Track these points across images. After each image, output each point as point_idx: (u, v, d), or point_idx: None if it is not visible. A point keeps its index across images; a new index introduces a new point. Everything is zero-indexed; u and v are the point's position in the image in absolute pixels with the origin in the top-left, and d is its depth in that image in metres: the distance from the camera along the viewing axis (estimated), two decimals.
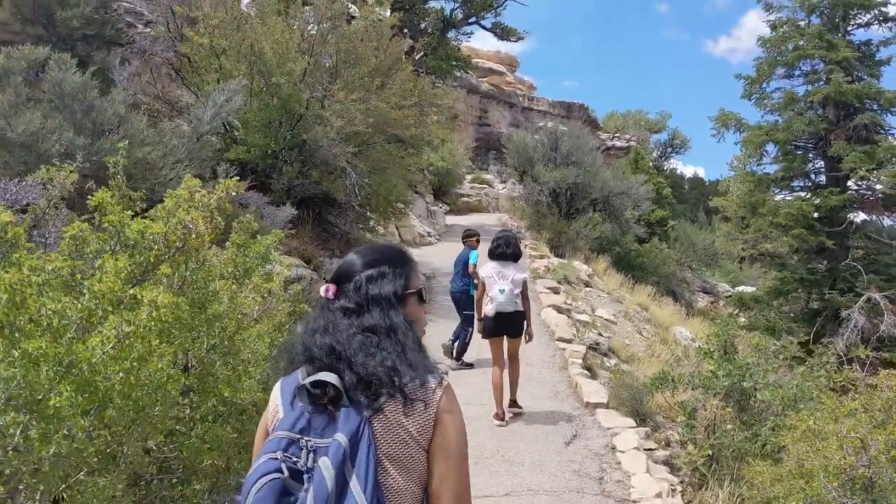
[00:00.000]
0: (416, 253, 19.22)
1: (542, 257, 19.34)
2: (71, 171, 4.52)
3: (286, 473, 1.51)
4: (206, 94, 10.34)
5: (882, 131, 22.58)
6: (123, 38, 12.47)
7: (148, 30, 12.77)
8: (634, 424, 7.43)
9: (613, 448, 6.73)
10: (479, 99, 49.74)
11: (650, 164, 43.79)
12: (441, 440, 1.69)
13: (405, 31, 26.69)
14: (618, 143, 51.02)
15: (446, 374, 1.86)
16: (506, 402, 7.57)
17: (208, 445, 2.98)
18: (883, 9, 22.85)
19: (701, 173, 57.56)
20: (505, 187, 35.57)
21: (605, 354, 12.25)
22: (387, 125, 12.46)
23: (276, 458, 1.53)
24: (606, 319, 15.35)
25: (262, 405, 3.12)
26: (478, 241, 10.37)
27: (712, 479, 6.80)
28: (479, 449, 6.40)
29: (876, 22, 23.24)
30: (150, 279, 2.82)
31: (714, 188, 47.37)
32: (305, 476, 1.52)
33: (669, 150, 55.12)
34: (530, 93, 57.39)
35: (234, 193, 3.23)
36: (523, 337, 7.70)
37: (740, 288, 31.81)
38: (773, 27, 24.41)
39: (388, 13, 16.85)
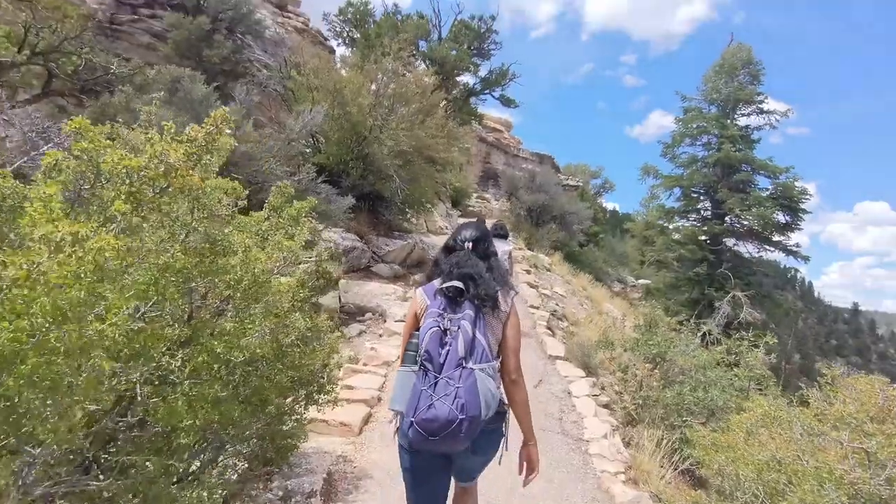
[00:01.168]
0: (434, 238, 18.14)
1: (519, 249, 18.48)
2: None
3: (441, 329, 2.00)
4: (297, 112, 9.15)
5: (752, 186, 21.31)
6: (248, 75, 11.27)
7: (266, 71, 11.58)
8: (584, 375, 6.26)
9: (569, 393, 5.55)
10: (486, 146, 49.46)
11: (591, 196, 44.58)
12: (509, 323, 2.20)
13: (444, 94, 26.07)
14: (571, 182, 50.49)
15: (517, 293, 2.39)
16: None
17: (188, 404, 1.82)
18: (760, 105, 21.53)
19: (617, 207, 58.16)
20: (498, 203, 34.88)
21: (560, 319, 11.13)
22: (424, 148, 11.27)
23: (437, 320, 2.03)
24: (561, 294, 14.23)
25: (267, 357, 2.53)
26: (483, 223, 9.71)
27: (641, 424, 5.64)
28: None
29: (755, 112, 21.94)
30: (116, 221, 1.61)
31: (625, 218, 49.47)
32: (450, 331, 2.00)
33: (602, 190, 54.94)
34: (518, 146, 56.65)
35: (230, 130, 2.04)
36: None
37: (641, 280, 31.21)
38: (685, 111, 23.17)
39: (432, 78, 15.55)
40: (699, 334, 8.71)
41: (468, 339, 1.95)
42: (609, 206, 53.02)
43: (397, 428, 2.09)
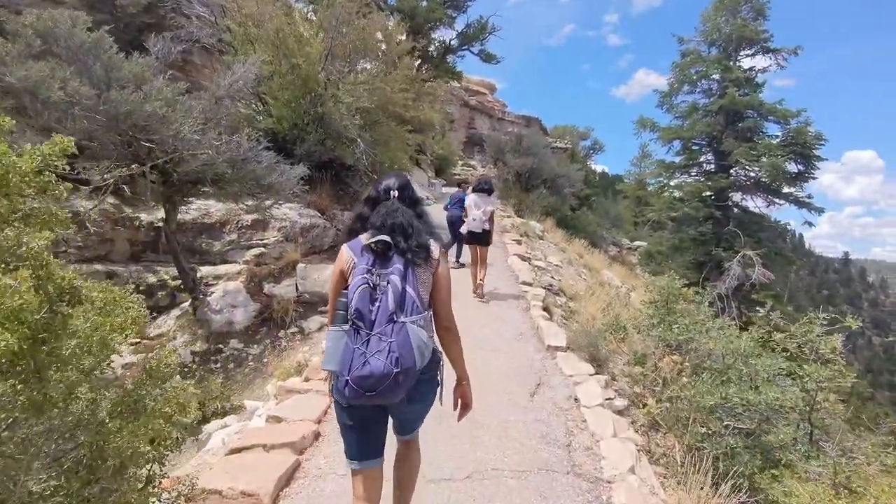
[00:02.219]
0: None
1: (508, 217, 17.34)
2: None
3: (370, 285, 2.02)
4: (227, 65, 7.73)
5: (760, 133, 19.99)
6: (176, 27, 9.70)
7: (197, 21, 10.02)
8: (593, 371, 5.09)
9: (577, 401, 4.38)
10: (469, 110, 48.73)
11: (581, 158, 44.15)
12: (438, 274, 2.23)
13: (418, 53, 24.48)
14: (560, 145, 49.56)
15: (445, 242, 2.45)
16: (478, 286, 7.70)
17: None
18: (765, 43, 20.05)
19: (606, 169, 57.55)
20: (485, 170, 33.69)
21: (557, 294, 9.98)
22: (390, 105, 9.86)
23: (365, 276, 2.03)
24: (556, 264, 13.08)
25: None
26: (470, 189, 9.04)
27: (669, 432, 4.50)
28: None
29: (760, 52, 20.44)
30: None
31: (615, 179, 52.13)
32: (379, 286, 2.02)
33: (591, 151, 54.07)
34: (503, 109, 55.59)
35: None
36: (488, 248, 7.85)
37: (637, 242, 30.51)
38: (683, 55, 21.64)
39: (403, 36, 13.89)
40: (707, 300, 7.45)
41: (398, 293, 2.00)
42: (598, 168, 52.19)
43: (332, 385, 2.14)
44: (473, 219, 7.58)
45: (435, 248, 2.24)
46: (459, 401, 2.40)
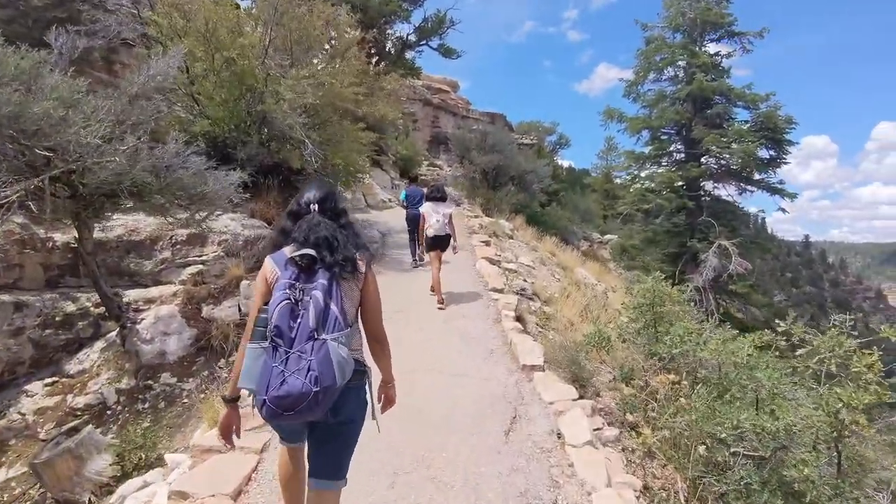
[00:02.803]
0: (376, 215, 16.09)
1: (476, 217, 16.81)
2: None
3: (292, 301, 1.97)
4: (142, 60, 6.89)
5: (730, 119, 19.78)
6: (91, 21, 8.76)
7: (119, 14, 9.09)
8: (576, 394, 4.45)
9: (560, 436, 3.72)
10: (432, 109, 48.34)
11: (548, 153, 44.54)
12: (367, 287, 2.27)
13: (373, 49, 23.76)
14: (526, 141, 49.62)
15: (372, 254, 2.46)
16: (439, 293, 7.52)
17: None
18: (730, 28, 19.85)
19: (572, 164, 58.11)
20: (450, 170, 33.18)
21: (531, 298, 9.42)
22: (339, 101, 9.09)
23: (287, 292, 1.99)
24: (527, 265, 12.52)
25: None
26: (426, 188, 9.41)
27: (669, 463, 3.89)
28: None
29: (725, 37, 20.24)
30: None
31: (582, 174, 52.60)
32: (301, 302, 1.98)
33: (558, 146, 54.37)
34: (467, 106, 55.49)
35: None
36: (450, 249, 7.80)
37: (608, 236, 30.46)
38: (648, 42, 21.32)
39: (357, 31, 13.10)
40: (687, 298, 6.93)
41: (320, 310, 1.98)
42: (564, 163, 52.35)
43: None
44: (437, 220, 7.58)
45: (362, 262, 2.25)
46: (384, 397, 2.57)
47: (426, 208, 7.77)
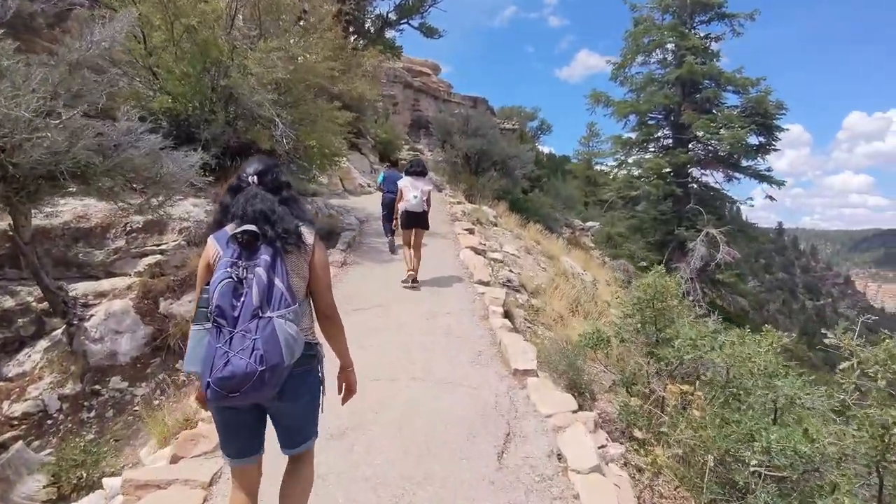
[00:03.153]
0: (354, 200, 15.45)
1: (459, 203, 16.27)
2: None
3: (235, 279, 1.91)
4: (83, 24, 6.19)
5: (719, 104, 19.43)
6: None
7: None
8: (575, 405, 3.98)
9: (561, 458, 3.24)
10: (413, 92, 47.65)
11: (531, 139, 44.34)
12: (315, 261, 2.18)
13: (351, 28, 23.02)
14: (508, 126, 49.23)
15: (315, 226, 2.32)
16: (411, 273, 7.35)
17: None
18: (720, 9, 19.44)
19: (553, 150, 57.99)
20: (432, 154, 32.58)
21: (517, 290, 9.00)
22: (311, 75, 8.44)
23: (228, 271, 1.92)
24: (513, 254, 12.10)
25: None
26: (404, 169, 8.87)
27: (690, 493, 3.46)
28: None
29: (716, 18, 19.83)
30: None
31: (563, 160, 52.57)
32: (245, 280, 1.91)
33: (539, 132, 54.19)
34: (448, 90, 54.68)
35: None
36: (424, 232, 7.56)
37: (590, 223, 30.21)
38: (636, 23, 20.83)
39: (332, 7, 12.34)
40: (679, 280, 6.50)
41: (263, 287, 1.91)
42: (545, 149, 52.14)
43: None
44: (414, 196, 7.28)
45: (308, 234, 2.20)
46: (344, 385, 2.41)
47: (403, 182, 7.50)
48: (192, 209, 7.89)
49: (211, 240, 2.14)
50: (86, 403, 5.43)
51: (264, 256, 1.97)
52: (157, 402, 5.44)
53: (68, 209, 6.97)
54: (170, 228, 7.54)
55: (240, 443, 2.15)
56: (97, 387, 5.61)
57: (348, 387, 2.39)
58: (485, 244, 11.12)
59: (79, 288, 6.69)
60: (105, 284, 6.87)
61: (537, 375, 4.51)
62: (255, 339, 1.83)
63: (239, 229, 2.00)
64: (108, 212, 7.18)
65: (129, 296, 6.70)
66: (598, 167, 47.46)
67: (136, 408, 5.43)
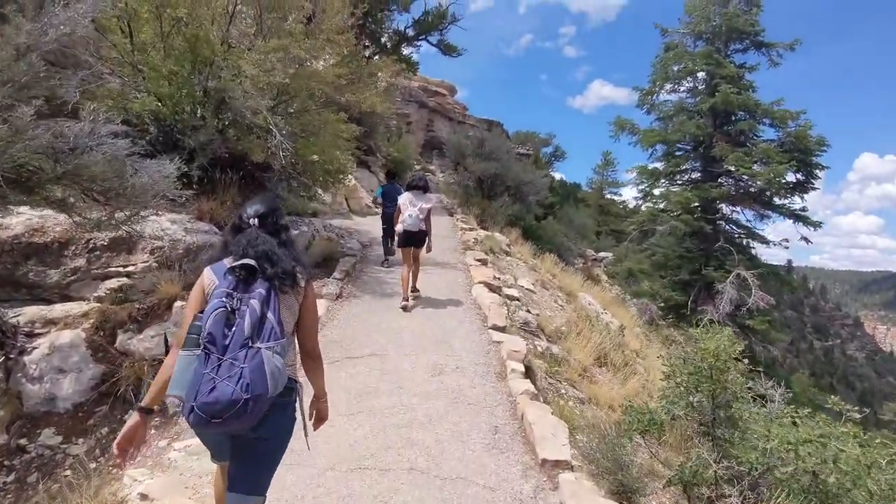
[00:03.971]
0: (360, 221, 14.56)
1: (471, 229, 15.36)
2: None
3: (228, 308, 2.00)
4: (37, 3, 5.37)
5: (754, 136, 18.49)
6: None
7: None
8: None
9: None
10: (427, 112, 47.58)
11: (545, 164, 44.16)
12: (305, 302, 2.31)
13: (367, 44, 22.52)
14: (522, 151, 48.92)
15: (308, 270, 2.44)
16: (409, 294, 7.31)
17: None
18: (757, 37, 18.62)
19: (564, 178, 57.66)
20: (443, 175, 32.01)
21: (535, 334, 8.02)
22: (314, 81, 7.59)
23: (224, 300, 2.01)
24: (529, 289, 11.14)
25: None
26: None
27: None
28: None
29: (752, 47, 19.01)
30: None
31: (574, 188, 51.95)
32: (237, 311, 2.00)
33: (553, 158, 54.05)
34: (464, 112, 54.67)
35: None
36: (424, 248, 7.48)
37: (603, 254, 29.38)
38: (667, 48, 20.05)
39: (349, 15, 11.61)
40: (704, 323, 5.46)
41: (256, 318, 1.99)
42: (557, 176, 51.72)
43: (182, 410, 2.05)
44: (410, 215, 7.10)
45: (301, 277, 2.31)
46: (315, 413, 2.54)
47: (403, 199, 7.31)
48: (168, 226, 7.00)
49: (208, 270, 2.26)
50: (6, 462, 4.47)
51: (260, 290, 2.08)
52: (93, 466, 4.47)
53: (20, 221, 6.09)
54: (140, 248, 6.63)
55: (222, 454, 2.28)
56: (23, 441, 4.65)
57: (319, 414, 2.54)
58: (499, 278, 10.17)
59: (25, 313, 5.77)
60: (57, 310, 5.95)
61: (571, 468, 3.52)
62: (242, 368, 1.88)
63: (238, 262, 2.12)
64: (67, 225, 6.27)
65: (84, 325, 5.78)
66: (611, 196, 46.68)
67: (67, 471, 4.45)
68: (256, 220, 2.30)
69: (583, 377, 6.97)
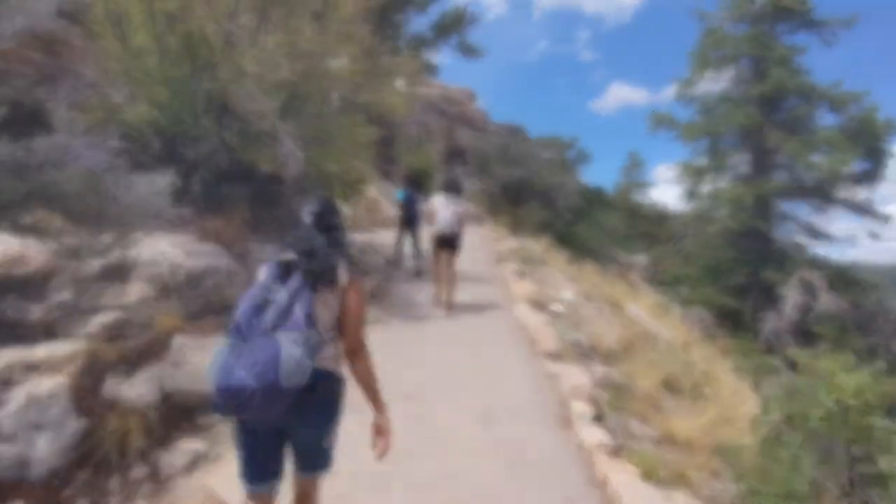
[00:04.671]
0: (382, 236, 13.84)
1: (503, 239, 14.58)
2: None
3: (261, 299, 2.08)
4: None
5: (810, 123, 17.26)
6: None
7: None
8: None
9: None
10: (448, 120, 46.84)
11: (572, 168, 43.52)
12: (349, 297, 2.30)
13: (384, 46, 21.99)
14: (546, 155, 48.18)
15: (356, 272, 2.45)
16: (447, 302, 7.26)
17: None
18: (807, 16, 17.42)
19: (588, 182, 56.39)
20: (468, 183, 31.54)
21: (589, 357, 7.05)
22: (328, 79, 6.85)
23: (258, 291, 2.13)
24: (572, 302, 10.12)
25: None
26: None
27: None
28: None
29: (803, 27, 17.80)
30: None
31: (597, 191, 49.31)
32: (269, 301, 2.07)
33: (577, 162, 53.49)
34: (485, 119, 54.16)
35: None
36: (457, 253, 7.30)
37: (638, 256, 28.32)
38: (706, 33, 18.97)
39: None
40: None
41: (281, 309, 2.05)
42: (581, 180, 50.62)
43: None
44: (444, 217, 7.10)
45: (343, 273, 2.34)
46: (377, 436, 2.40)
47: (436, 201, 7.33)
48: (168, 249, 6.24)
49: (263, 265, 2.40)
50: None
51: (293, 283, 2.16)
52: None
53: None
54: (135, 275, 5.90)
55: (256, 465, 2.23)
56: None
57: (380, 435, 2.37)
58: (541, 291, 9.25)
59: (2, 356, 5.09)
60: (39, 353, 5.20)
61: None
62: (257, 356, 1.92)
63: (281, 257, 2.28)
64: (51, 254, 5.58)
65: (68, 369, 5.04)
66: (641, 198, 45.44)
67: None
68: (311, 217, 2.45)
69: (652, 410, 6.00)
